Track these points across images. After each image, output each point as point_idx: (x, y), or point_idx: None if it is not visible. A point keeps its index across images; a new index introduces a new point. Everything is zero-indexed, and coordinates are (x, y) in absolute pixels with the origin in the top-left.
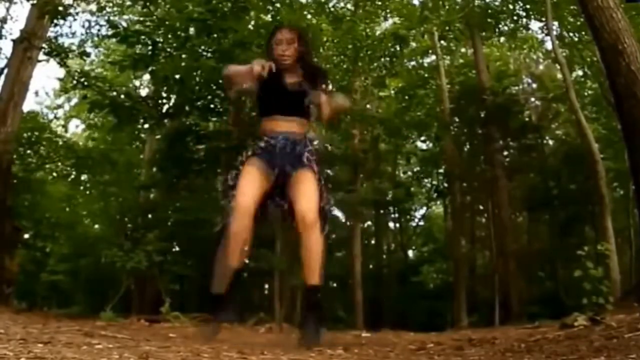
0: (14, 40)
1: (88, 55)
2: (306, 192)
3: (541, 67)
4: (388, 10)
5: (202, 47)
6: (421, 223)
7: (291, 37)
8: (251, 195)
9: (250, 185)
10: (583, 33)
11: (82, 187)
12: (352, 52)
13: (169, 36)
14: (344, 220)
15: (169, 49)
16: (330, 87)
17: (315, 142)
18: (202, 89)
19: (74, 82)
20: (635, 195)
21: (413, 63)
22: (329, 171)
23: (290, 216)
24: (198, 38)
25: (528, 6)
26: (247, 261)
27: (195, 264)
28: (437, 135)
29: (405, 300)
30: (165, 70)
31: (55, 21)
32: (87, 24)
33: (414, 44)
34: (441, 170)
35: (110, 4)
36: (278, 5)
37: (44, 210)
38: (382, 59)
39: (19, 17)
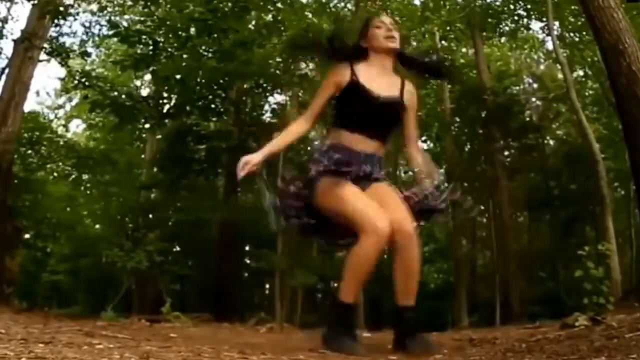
0: (14, 40)
1: (89, 55)
2: (392, 201)
3: (542, 67)
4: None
5: (203, 47)
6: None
7: (393, 22)
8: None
9: (371, 204)
10: (584, 33)
11: (83, 187)
12: None
13: (170, 36)
14: None
15: (170, 49)
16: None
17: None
18: (203, 89)
19: (75, 82)
20: (636, 195)
21: None
22: None
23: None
24: (199, 38)
25: (529, 6)
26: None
27: (196, 264)
28: (437, 135)
29: None
30: (166, 70)
31: (56, 21)
32: (88, 24)
33: (414, 44)
34: (442, 170)
35: (111, 4)
36: (279, 5)
37: (44, 210)
38: None
39: (19, 17)
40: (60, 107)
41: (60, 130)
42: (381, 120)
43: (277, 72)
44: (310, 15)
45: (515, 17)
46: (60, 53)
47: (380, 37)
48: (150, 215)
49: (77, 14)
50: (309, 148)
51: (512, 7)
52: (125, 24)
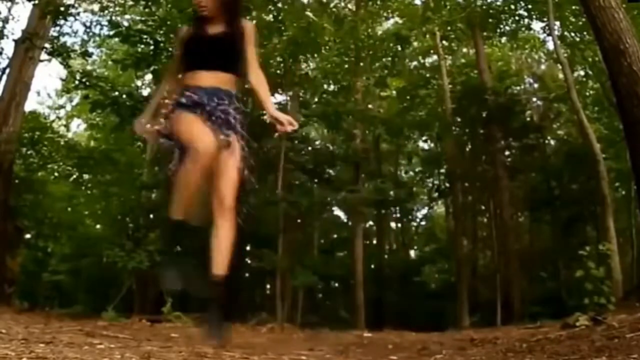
0: (15, 40)
1: (90, 55)
2: (228, 172)
3: (543, 67)
4: (390, 11)
5: None
6: (423, 223)
7: None
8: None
9: (201, 128)
10: (585, 33)
11: (83, 187)
12: (353, 52)
13: (171, 36)
14: (345, 221)
15: (170, 49)
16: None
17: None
18: None
19: (76, 81)
20: (637, 195)
21: (415, 63)
22: (330, 171)
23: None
24: None
25: (530, 6)
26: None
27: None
28: (438, 135)
29: (407, 300)
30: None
31: (57, 21)
32: (89, 24)
33: (415, 44)
34: (443, 170)
35: (112, 4)
36: (280, 5)
37: (45, 210)
38: (384, 59)
39: (20, 17)
40: (61, 107)
41: (61, 130)
42: (213, 55)
43: (278, 72)
44: (311, 15)
45: (516, 17)
46: (61, 53)
47: (194, 2)
48: (151, 215)
49: (78, 13)
50: (309, 148)
51: (512, 7)
52: (126, 23)
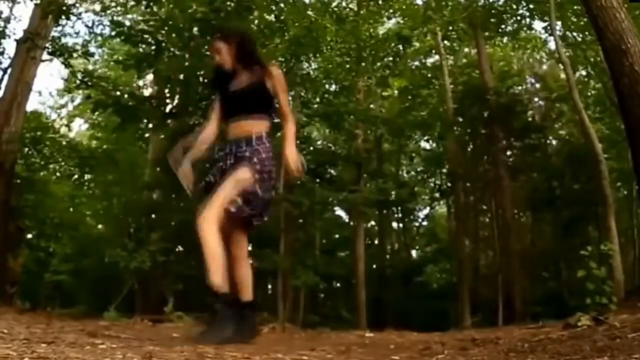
0: (17, 40)
1: (92, 55)
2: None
3: (544, 67)
4: (391, 10)
5: (206, 47)
6: (424, 223)
7: (217, 47)
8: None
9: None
10: (586, 33)
11: (85, 187)
12: (355, 52)
13: (173, 36)
14: (347, 220)
15: (172, 49)
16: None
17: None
18: (205, 89)
19: (78, 81)
20: (639, 195)
21: (416, 63)
22: (332, 171)
23: None
24: (202, 38)
25: (531, 6)
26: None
27: (199, 264)
28: (440, 135)
29: (408, 300)
30: (169, 70)
31: (59, 21)
32: (90, 24)
33: (417, 44)
34: (444, 170)
35: (114, 4)
36: (282, 5)
37: (47, 210)
38: (385, 59)
39: (22, 16)
40: (62, 106)
41: (63, 130)
42: (237, 106)
43: None
44: (312, 15)
45: (518, 17)
46: (62, 53)
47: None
48: (153, 215)
49: (80, 13)
50: (311, 148)
51: (514, 6)
52: (128, 23)
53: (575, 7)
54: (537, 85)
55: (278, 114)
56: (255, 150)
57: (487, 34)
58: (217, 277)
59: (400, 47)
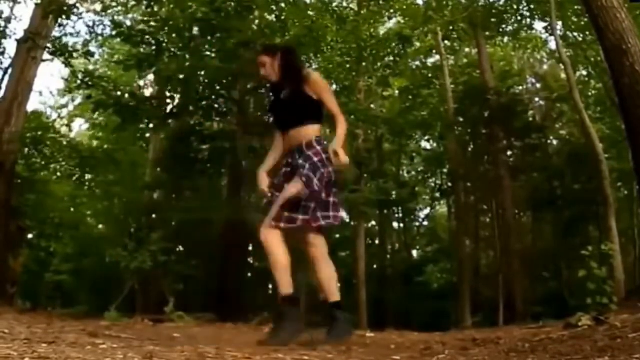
0: (18, 40)
1: (92, 55)
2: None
3: (545, 67)
4: (392, 10)
5: (206, 47)
6: (425, 223)
7: (261, 61)
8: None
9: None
10: (587, 33)
11: (86, 187)
12: (356, 51)
13: (173, 36)
14: (348, 220)
15: (173, 49)
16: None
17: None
18: (206, 89)
19: (79, 81)
20: (639, 195)
21: (417, 63)
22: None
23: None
24: (202, 38)
25: (532, 6)
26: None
27: (200, 264)
28: (441, 135)
29: (409, 300)
30: (170, 70)
31: (59, 21)
32: (91, 24)
33: (417, 44)
34: (445, 170)
35: (115, 4)
36: (282, 5)
37: (48, 210)
38: (386, 59)
39: (23, 16)
40: (63, 106)
41: (64, 130)
42: (286, 117)
43: None
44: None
45: (518, 17)
46: (63, 53)
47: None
48: (154, 215)
49: (81, 13)
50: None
51: (515, 6)
52: (128, 23)
53: (575, 7)
54: (538, 85)
55: (329, 114)
56: (307, 157)
57: (487, 34)
58: (281, 283)
59: (401, 47)
